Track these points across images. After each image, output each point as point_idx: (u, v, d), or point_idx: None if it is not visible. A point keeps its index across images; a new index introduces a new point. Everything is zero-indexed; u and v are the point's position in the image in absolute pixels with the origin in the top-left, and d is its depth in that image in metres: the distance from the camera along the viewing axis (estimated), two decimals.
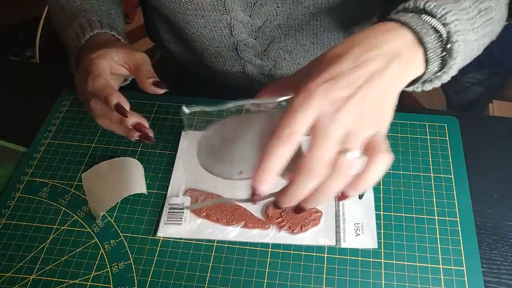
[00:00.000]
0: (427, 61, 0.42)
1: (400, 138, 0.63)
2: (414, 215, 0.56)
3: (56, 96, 0.71)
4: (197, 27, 0.66)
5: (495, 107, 1.29)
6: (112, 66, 0.55)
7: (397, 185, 0.58)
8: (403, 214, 0.56)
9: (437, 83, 0.46)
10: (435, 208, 0.56)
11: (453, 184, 0.58)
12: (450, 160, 0.61)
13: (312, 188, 0.37)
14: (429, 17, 0.42)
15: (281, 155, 0.36)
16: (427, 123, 0.65)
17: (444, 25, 0.42)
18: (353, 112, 0.37)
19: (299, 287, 0.51)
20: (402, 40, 0.41)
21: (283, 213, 0.55)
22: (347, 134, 0.37)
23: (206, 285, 0.51)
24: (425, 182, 0.59)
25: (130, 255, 0.54)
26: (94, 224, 0.56)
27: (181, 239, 0.55)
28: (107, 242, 0.55)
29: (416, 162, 0.61)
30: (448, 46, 0.42)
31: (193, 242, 0.54)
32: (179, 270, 0.52)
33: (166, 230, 0.55)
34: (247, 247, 0.54)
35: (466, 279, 0.51)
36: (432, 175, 0.59)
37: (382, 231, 0.54)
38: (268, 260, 0.53)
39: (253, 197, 0.38)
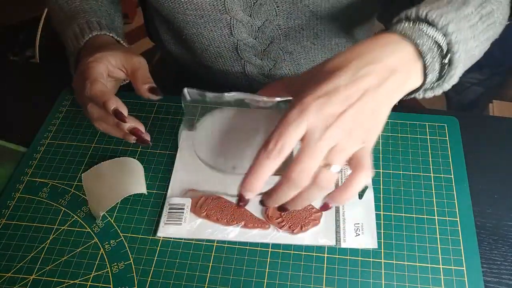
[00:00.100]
0: (425, 74, 0.42)
1: (400, 138, 0.63)
2: (414, 215, 0.56)
3: (56, 96, 0.71)
4: (196, 27, 0.66)
5: (495, 107, 1.29)
6: (109, 70, 0.55)
7: (397, 185, 0.58)
8: (403, 214, 0.56)
9: (438, 91, 0.47)
10: (435, 208, 0.56)
11: (453, 184, 0.58)
12: (450, 160, 0.61)
13: (293, 195, 0.40)
14: (430, 28, 0.42)
15: (268, 167, 0.38)
16: (427, 123, 0.64)
17: (445, 35, 0.42)
18: (343, 129, 0.38)
19: (299, 287, 0.51)
20: (401, 54, 0.41)
21: (283, 213, 0.56)
22: (333, 149, 0.38)
23: (206, 285, 0.51)
24: (425, 182, 0.59)
25: (130, 255, 0.54)
26: (94, 224, 0.56)
27: (181, 239, 0.55)
28: (107, 242, 0.55)
29: (416, 162, 0.61)
30: (449, 56, 0.43)
31: (193, 242, 0.54)
32: (179, 270, 0.52)
33: (166, 230, 0.55)
34: (247, 247, 0.54)
35: (466, 279, 0.51)
36: (432, 175, 0.59)
37: (382, 231, 0.54)
38: (268, 260, 0.53)
39: (240, 202, 0.41)
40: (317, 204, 0.56)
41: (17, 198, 0.59)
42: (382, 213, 0.56)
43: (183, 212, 0.56)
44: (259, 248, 0.54)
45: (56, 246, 0.55)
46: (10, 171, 0.62)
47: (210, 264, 0.53)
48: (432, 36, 0.42)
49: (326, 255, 0.53)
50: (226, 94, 0.45)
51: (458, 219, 0.55)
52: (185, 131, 0.65)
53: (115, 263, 0.53)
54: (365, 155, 0.40)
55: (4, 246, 0.55)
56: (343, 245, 0.53)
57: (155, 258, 0.53)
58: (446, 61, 0.43)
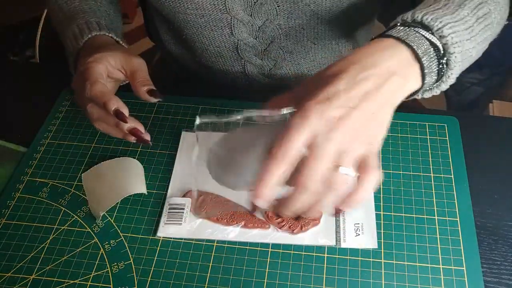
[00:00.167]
0: (424, 76, 0.43)
1: (400, 138, 0.63)
2: (414, 215, 0.56)
3: (56, 96, 0.71)
4: (197, 27, 0.66)
5: (495, 107, 1.29)
6: (109, 70, 0.55)
7: (397, 185, 0.58)
8: (403, 214, 0.56)
9: (436, 91, 0.47)
10: (435, 208, 0.56)
11: (453, 184, 0.58)
12: (450, 160, 0.61)
13: (307, 202, 0.40)
14: (425, 31, 0.43)
15: (276, 173, 0.39)
16: (427, 123, 0.64)
17: (441, 37, 0.43)
18: (346, 132, 0.38)
19: (299, 287, 0.51)
20: (398, 58, 0.42)
21: None
22: (340, 153, 0.39)
23: (206, 285, 0.51)
24: (425, 182, 0.59)
25: (130, 255, 0.54)
26: (94, 224, 0.56)
27: (181, 239, 0.55)
28: (107, 242, 0.55)
29: (416, 162, 0.61)
30: (445, 58, 0.44)
31: (193, 242, 0.54)
32: (179, 270, 0.52)
33: (166, 230, 0.55)
34: (247, 247, 0.54)
35: (466, 279, 0.51)
36: (432, 175, 0.59)
37: (382, 231, 0.54)
38: (268, 260, 0.53)
39: (253, 211, 0.43)
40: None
41: (17, 198, 0.59)
42: (382, 213, 0.56)
43: (183, 212, 0.56)
44: (259, 248, 0.54)
45: (56, 246, 0.55)
46: (10, 171, 0.62)
47: (210, 264, 0.53)
48: (428, 39, 0.43)
49: (326, 255, 0.53)
50: (234, 117, 0.46)
51: (458, 219, 0.55)
52: (185, 131, 0.65)
53: (115, 263, 0.53)
54: (371, 158, 0.40)
55: (4, 246, 0.55)
56: (343, 245, 0.53)
57: (155, 258, 0.53)
58: (443, 62, 0.44)
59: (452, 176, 0.59)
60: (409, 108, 0.67)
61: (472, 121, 0.66)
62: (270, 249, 0.54)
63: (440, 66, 0.44)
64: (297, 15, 0.63)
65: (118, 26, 0.67)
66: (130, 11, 1.93)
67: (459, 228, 0.54)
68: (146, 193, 0.59)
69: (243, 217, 0.55)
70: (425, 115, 0.66)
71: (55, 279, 0.52)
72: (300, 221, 0.55)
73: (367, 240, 0.54)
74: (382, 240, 0.54)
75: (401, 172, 0.60)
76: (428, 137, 0.63)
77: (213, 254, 0.53)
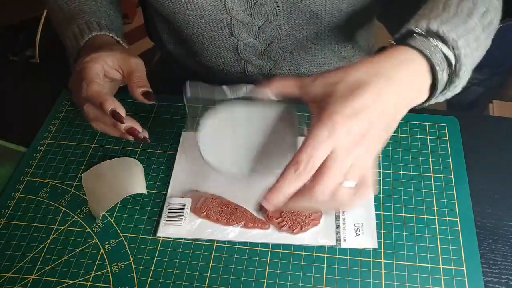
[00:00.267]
0: (435, 86, 0.44)
1: (400, 138, 0.63)
2: (414, 215, 0.56)
3: (56, 96, 0.71)
4: (197, 28, 0.66)
5: (495, 107, 1.29)
6: (106, 70, 0.54)
7: (397, 185, 0.58)
8: (403, 214, 0.56)
9: (441, 99, 0.48)
10: (435, 208, 0.56)
11: (453, 184, 0.58)
12: (450, 160, 0.61)
13: (309, 207, 0.41)
14: (441, 43, 0.44)
15: (295, 185, 0.40)
16: (427, 123, 0.65)
17: (454, 49, 0.44)
18: (365, 148, 0.40)
19: (299, 287, 0.51)
20: (418, 72, 0.43)
21: (283, 213, 0.55)
22: (352, 166, 0.40)
23: (206, 285, 0.51)
24: (425, 182, 0.59)
25: (130, 255, 0.54)
26: (94, 224, 0.56)
27: (181, 239, 0.55)
28: (107, 242, 0.55)
29: (416, 162, 0.61)
30: (456, 69, 0.45)
31: (193, 242, 0.54)
32: (179, 270, 0.52)
33: (166, 230, 0.55)
34: (247, 247, 0.54)
35: (466, 279, 0.51)
36: (432, 175, 0.59)
37: (382, 231, 0.54)
38: (268, 260, 0.53)
39: (260, 210, 0.44)
40: None
41: (17, 198, 0.59)
42: (382, 213, 0.56)
43: (183, 212, 0.56)
44: (259, 248, 0.54)
45: (56, 246, 0.55)
46: (10, 171, 0.62)
47: (210, 264, 0.53)
48: (443, 51, 0.44)
49: (326, 255, 0.53)
50: (229, 88, 0.45)
51: (458, 219, 0.55)
52: (185, 131, 0.65)
53: (115, 263, 0.53)
54: (369, 173, 0.41)
55: (4, 246, 0.55)
56: (343, 245, 0.53)
57: (155, 258, 0.53)
58: (453, 72, 0.45)
59: (452, 176, 0.59)
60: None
61: (472, 121, 0.66)
62: (270, 249, 0.54)
63: (450, 76, 0.45)
64: (297, 15, 0.63)
65: (119, 26, 0.67)
66: (130, 11, 1.93)
67: (459, 228, 0.54)
68: (146, 193, 0.59)
69: (243, 217, 0.55)
70: (425, 115, 0.66)
71: (55, 279, 0.52)
72: (300, 221, 0.55)
73: (367, 240, 0.54)
74: (382, 240, 0.54)
75: (401, 172, 0.60)
76: (428, 137, 0.63)
77: (213, 254, 0.53)
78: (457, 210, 0.56)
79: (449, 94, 0.47)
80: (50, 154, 0.63)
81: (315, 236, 0.54)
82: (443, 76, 0.44)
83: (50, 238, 0.55)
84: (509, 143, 0.63)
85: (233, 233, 0.55)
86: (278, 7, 0.62)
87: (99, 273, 0.52)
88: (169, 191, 0.59)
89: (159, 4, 0.64)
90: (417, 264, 0.52)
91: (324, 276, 0.51)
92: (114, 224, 0.56)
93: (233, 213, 0.56)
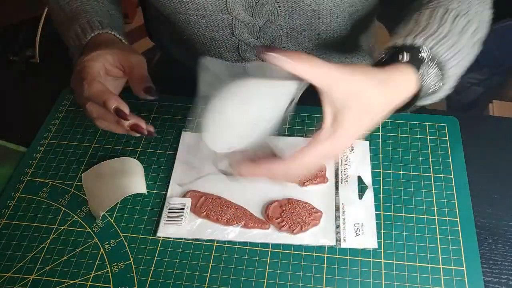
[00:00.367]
0: (418, 100, 0.49)
1: (400, 138, 0.63)
2: (414, 215, 0.56)
3: (56, 96, 0.71)
4: (198, 28, 0.66)
5: (495, 107, 1.29)
6: (107, 68, 0.54)
7: (397, 185, 0.58)
8: (403, 214, 0.56)
9: (423, 103, 0.51)
10: (435, 208, 0.56)
11: (453, 184, 0.58)
12: (450, 160, 0.61)
13: (281, 176, 0.44)
14: (434, 64, 0.48)
15: (278, 177, 0.43)
16: (427, 123, 0.65)
17: (444, 67, 0.48)
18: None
19: (299, 287, 0.51)
20: (409, 92, 0.47)
21: (283, 213, 0.56)
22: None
23: (206, 285, 0.51)
24: (425, 182, 0.59)
25: (130, 255, 0.54)
26: (94, 224, 0.56)
27: (181, 239, 0.55)
28: (107, 242, 0.55)
29: (416, 162, 0.61)
30: (441, 85, 0.49)
31: (193, 242, 0.54)
32: (179, 270, 0.52)
33: (166, 230, 0.55)
34: (247, 247, 0.54)
35: (466, 279, 0.51)
36: (432, 175, 0.59)
37: (382, 231, 0.54)
38: (268, 260, 0.53)
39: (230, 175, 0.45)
40: (317, 204, 0.56)
41: (17, 198, 0.59)
42: (382, 213, 0.56)
43: (183, 212, 0.56)
44: (259, 248, 0.54)
45: (56, 246, 0.55)
46: (10, 171, 0.62)
47: (210, 264, 0.53)
48: (437, 74, 0.48)
49: (326, 255, 0.53)
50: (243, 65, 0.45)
51: (458, 219, 0.55)
52: (185, 131, 0.65)
53: (115, 263, 0.53)
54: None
55: (4, 246, 0.55)
56: (343, 245, 0.53)
57: (155, 258, 0.53)
58: (438, 86, 0.49)
59: (452, 176, 0.59)
60: None
61: (472, 121, 0.66)
62: (270, 249, 0.54)
63: (434, 90, 0.49)
64: (298, 16, 0.63)
65: (120, 26, 0.67)
66: (130, 11, 1.92)
67: (459, 228, 0.54)
68: (146, 193, 0.59)
69: (243, 217, 0.55)
70: (425, 115, 0.66)
71: (55, 279, 0.52)
72: (300, 221, 0.55)
73: (367, 240, 0.54)
74: (382, 240, 0.54)
75: (401, 172, 0.60)
76: (428, 137, 0.63)
77: (213, 254, 0.53)
78: (457, 210, 0.56)
79: (429, 101, 0.51)
80: (50, 154, 0.63)
81: (315, 236, 0.54)
82: (426, 94, 0.48)
83: (50, 238, 0.55)
84: (509, 143, 0.63)
85: (233, 233, 0.55)
86: (279, 7, 0.62)
87: (99, 273, 0.52)
88: (169, 191, 0.59)
89: (160, 3, 0.63)
90: (417, 264, 0.52)
91: (324, 276, 0.51)
92: (114, 224, 0.56)
93: (233, 213, 0.56)
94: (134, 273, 0.52)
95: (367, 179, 0.59)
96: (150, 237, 0.55)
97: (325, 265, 0.52)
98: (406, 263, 0.52)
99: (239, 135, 0.45)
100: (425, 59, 0.47)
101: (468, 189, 0.58)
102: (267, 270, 0.52)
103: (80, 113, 0.68)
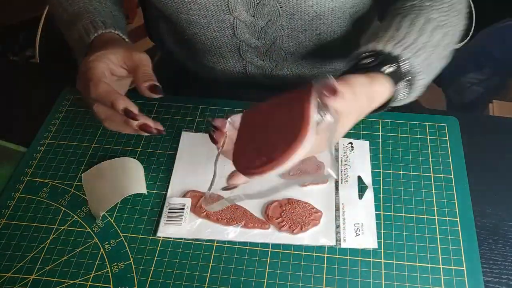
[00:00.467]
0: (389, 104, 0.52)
1: (400, 138, 0.63)
2: (414, 215, 0.56)
3: (56, 96, 0.71)
4: (199, 28, 0.66)
5: (495, 107, 1.29)
6: (111, 68, 0.53)
7: (397, 185, 0.58)
8: (403, 214, 0.56)
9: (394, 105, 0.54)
10: (435, 208, 0.56)
11: (453, 184, 0.58)
12: (450, 160, 0.61)
13: None
14: (408, 74, 0.51)
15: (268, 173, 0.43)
16: (427, 123, 0.65)
17: (413, 81, 0.52)
18: None
19: (299, 287, 0.51)
20: (384, 100, 0.50)
21: (283, 213, 0.56)
22: None
23: (206, 285, 0.51)
24: (425, 182, 0.59)
25: (130, 255, 0.54)
26: (94, 224, 0.56)
27: (181, 239, 0.55)
28: (107, 242, 0.55)
29: (416, 162, 0.61)
30: (408, 95, 0.53)
31: (193, 242, 0.54)
32: (179, 270, 0.52)
33: (166, 230, 0.55)
34: (247, 247, 0.54)
35: (466, 279, 0.51)
36: (432, 175, 0.59)
37: (382, 231, 0.54)
38: (268, 260, 0.53)
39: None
40: (317, 204, 0.56)
41: (17, 198, 0.59)
42: (382, 213, 0.56)
43: (183, 212, 0.56)
44: (259, 248, 0.54)
45: (56, 246, 0.55)
46: (10, 171, 0.62)
47: (210, 264, 0.53)
48: (406, 86, 0.52)
49: (326, 255, 0.53)
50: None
51: (458, 219, 0.55)
52: (185, 131, 0.65)
53: (115, 263, 0.53)
54: None
55: (4, 246, 0.55)
56: (343, 245, 0.53)
57: (155, 258, 0.53)
58: (405, 96, 0.53)
59: (452, 176, 0.59)
60: (409, 108, 0.67)
61: (472, 121, 0.66)
62: (270, 249, 0.54)
63: (402, 97, 0.53)
64: (299, 16, 0.63)
65: (123, 26, 0.66)
66: (130, 11, 1.92)
67: (459, 228, 0.54)
68: (146, 193, 0.59)
69: (243, 217, 0.55)
70: (425, 115, 0.66)
71: (55, 279, 0.52)
72: (300, 221, 0.55)
73: (367, 240, 0.54)
74: (382, 240, 0.54)
75: (401, 172, 0.60)
76: (428, 137, 0.63)
77: (213, 254, 0.53)
78: (457, 210, 0.56)
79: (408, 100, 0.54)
80: (50, 154, 0.63)
81: (315, 236, 0.54)
82: (390, 106, 0.52)
83: (50, 238, 0.55)
84: (509, 143, 0.63)
85: (233, 233, 0.55)
86: (281, 7, 0.62)
87: (99, 273, 0.52)
88: (169, 191, 0.59)
89: (162, 3, 0.63)
90: (417, 264, 0.52)
91: (324, 276, 0.51)
92: (114, 224, 0.56)
93: (233, 213, 0.56)
94: (134, 273, 0.52)
95: (367, 179, 0.59)
96: (150, 237, 0.55)
97: (325, 265, 0.52)
98: (406, 263, 0.52)
99: None
100: (403, 74, 0.51)
101: (468, 189, 0.58)
102: (267, 270, 0.52)
103: (80, 113, 0.68)
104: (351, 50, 0.75)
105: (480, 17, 0.83)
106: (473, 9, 0.80)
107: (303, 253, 0.53)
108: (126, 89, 0.57)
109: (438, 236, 0.54)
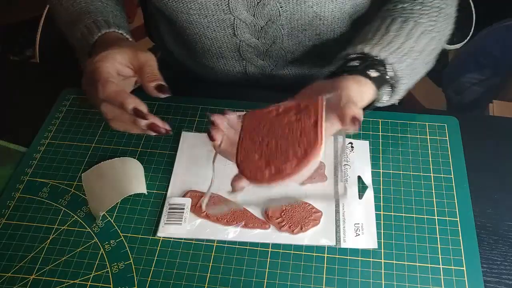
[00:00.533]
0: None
1: (400, 138, 0.63)
2: (414, 215, 0.56)
3: (56, 96, 0.71)
4: (200, 27, 0.66)
5: (495, 107, 1.29)
6: (118, 68, 0.52)
7: (397, 185, 0.58)
8: (403, 214, 0.56)
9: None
10: (435, 208, 0.56)
11: (453, 184, 0.58)
12: (450, 160, 0.61)
13: None
14: (391, 77, 0.53)
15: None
16: (427, 123, 0.65)
17: (395, 85, 0.54)
18: None
19: (299, 287, 0.51)
20: (369, 100, 0.52)
21: (283, 213, 0.56)
22: None
23: (206, 285, 0.51)
24: (425, 182, 0.59)
25: (130, 255, 0.54)
26: (94, 224, 0.56)
27: (181, 239, 0.55)
28: (107, 242, 0.55)
29: (416, 162, 0.61)
30: (390, 98, 0.55)
31: (193, 242, 0.54)
32: (179, 270, 0.52)
33: (166, 230, 0.55)
34: (247, 247, 0.54)
35: (466, 279, 0.51)
36: (432, 175, 0.59)
37: (382, 231, 0.54)
38: (268, 260, 0.53)
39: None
40: (317, 204, 0.56)
41: (17, 198, 0.59)
42: (382, 213, 0.56)
43: (183, 212, 0.56)
44: (259, 248, 0.54)
45: (56, 246, 0.55)
46: (10, 171, 0.62)
47: (210, 264, 0.53)
48: (388, 91, 0.54)
49: (326, 255, 0.53)
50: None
51: (458, 219, 0.55)
52: (185, 131, 0.65)
53: (115, 263, 0.53)
54: None
55: (4, 246, 0.55)
56: (343, 245, 0.53)
57: (155, 258, 0.53)
58: (386, 100, 0.55)
59: (452, 176, 0.59)
60: (409, 108, 0.67)
61: (472, 121, 0.66)
62: (270, 249, 0.54)
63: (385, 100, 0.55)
64: (299, 16, 0.63)
65: (125, 26, 0.66)
66: (130, 11, 1.93)
67: (459, 228, 0.54)
68: (146, 193, 0.59)
69: (243, 217, 0.55)
70: (425, 115, 0.66)
71: (55, 279, 0.52)
72: (300, 221, 0.55)
73: (367, 240, 0.54)
74: (382, 240, 0.54)
75: (401, 172, 0.60)
76: (428, 137, 0.63)
77: (213, 254, 0.53)
78: (457, 210, 0.56)
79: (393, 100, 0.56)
80: (50, 154, 0.63)
81: (315, 236, 0.54)
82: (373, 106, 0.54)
83: (50, 238, 0.55)
84: (509, 143, 0.63)
85: (233, 233, 0.55)
86: (281, 7, 0.62)
87: (99, 273, 0.52)
88: (169, 191, 0.59)
89: (162, 3, 0.63)
90: (417, 264, 0.52)
91: (324, 276, 0.51)
92: (114, 224, 0.56)
93: (233, 213, 0.56)
94: (134, 273, 0.52)
95: (367, 179, 0.59)
96: (150, 237, 0.55)
97: (325, 265, 0.52)
98: (406, 263, 0.52)
99: None
100: (388, 78, 0.53)
101: (468, 189, 0.58)
102: (267, 270, 0.52)
103: (80, 113, 0.68)
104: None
105: (480, 17, 0.83)
106: (473, 9, 0.80)
107: (303, 253, 0.53)
108: (130, 89, 0.56)
109: (438, 236, 0.54)
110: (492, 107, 1.29)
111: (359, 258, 0.52)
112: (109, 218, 0.57)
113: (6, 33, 1.64)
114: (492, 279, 0.51)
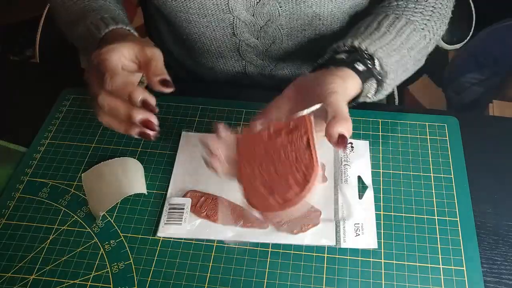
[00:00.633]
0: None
1: (400, 138, 0.63)
2: (414, 215, 0.56)
3: (56, 96, 0.71)
4: (199, 27, 0.66)
5: (495, 107, 1.29)
6: (122, 62, 0.51)
7: (397, 185, 0.58)
8: (403, 214, 0.56)
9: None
10: (435, 208, 0.56)
11: (453, 184, 0.58)
12: (450, 160, 0.61)
13: None
14: (379, 74, 0.54)
15: None
16: (427, 123, 0.65)
17: (382, 81, 0.54)
18: None
19: (299, 287, 0.51)
20: (355, 93, 0.52)
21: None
22: None
23: (206, 285, 0.51)
24: (425, 182, 0.59)
25: (130, 255, 0.54)
26: (94, 224, 0.56)
27: (181, 239, 0.55)
28: (107, 242, 0.55)
29: (416, 162, 0.61)
30: (377, 93, 0.55)
31: (193, 242, 0.54)
32: (179, 270, 0.52)
33: (166, 230, 0.55)
34: (247, 247, 0.54)
35: (466, 279, 0.51)
36: (432, 175, 0.59)
37: (382, 231, 0.54)
38: (268, 260, 0.53)
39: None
40: (317, 204, 0.56)
41: (17, 198, 0.59)
42: (382, 213, 0.56)
43: (183, 212, 0.56)
44: (259, 248, 0.54)
45: (56, 246, 0.55)
46: (10, 171, 0.62)
47: (210, 264, 0.53)
48: (374, 87, 0.54)
49: (326, 255, 0.53)
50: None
51: (458, 219, 0.55)
52: (185, 131, 0.65)
53: (115, 263, 0.53)
54: None
55: (4, 246, 0.55)
56: (343, 245, 0.53)
57: (155, 258, 0.53)
58: (372, 95, 0.55)
59: (452, 176, 0.59)
60: (409, 108, 0.67)
61: (472, 121, 0.66)
62: (270, 249, 0.54)
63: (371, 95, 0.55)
64: (298, 16, 0.63)
65: (128, 23, 0.66)
66: (130, 11, 1.92)
67: (459, 228, 0.54)
68: (146, 193, 0.59)
69: (242, 217, 0.55)
70: (425, 115, 0.66)
71: (55, 279, 0.52)
72: (300, 221, 0.55)
73: (367, 240, 0.54)
74: (382, 240, 0.54)
75: (401, 172, 0.60)
76: (428, 137, 0.63)
77: (213, 254, 0.53)
78: (457, 210, 0.56)
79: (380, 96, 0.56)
80: (50, 154, 0.63)
81: (315, 236, 0.54)
82: (360, 100, 0.54)
83: (50, 238, 0.55)
84: (509, 143, 0.63)
85: (233, 232, 0.55)
86: (280, 7, 0.62)
87: (99, 273, 0.52)
88: (169, 191, 0.59)
89: (161, 2, 0.63)
90: (417, 264, 0.52)
91: (324, 276, 0.51)
92: (114, 224, 0.56)
93: (232, 213, 0.56)
94: (134, 273, 0.52)
95: (367, 179, 0.59)
96: (150, 237, 0.55)
97: (325, 265, 0.52)
98: (406, 263, 0.52)
99: None
100: (374, 72, 0.53)
101: (468, 189, 0.58)
102: (267, 270, 0.52)
103: (80, 113, 0.68)
104: None
105: (480, 17, 0.83)
106: (473, 9, 0.80)
107: (303, 253, 0.53)
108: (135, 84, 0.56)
109: (438, 236, 0.54)
110: (492, 107, 1.29)
111: (359, 258, 0.52)
112: (109, 218, 0.57)
113: (6, 33, 1.64)
114: (492, 279, 0.51)
